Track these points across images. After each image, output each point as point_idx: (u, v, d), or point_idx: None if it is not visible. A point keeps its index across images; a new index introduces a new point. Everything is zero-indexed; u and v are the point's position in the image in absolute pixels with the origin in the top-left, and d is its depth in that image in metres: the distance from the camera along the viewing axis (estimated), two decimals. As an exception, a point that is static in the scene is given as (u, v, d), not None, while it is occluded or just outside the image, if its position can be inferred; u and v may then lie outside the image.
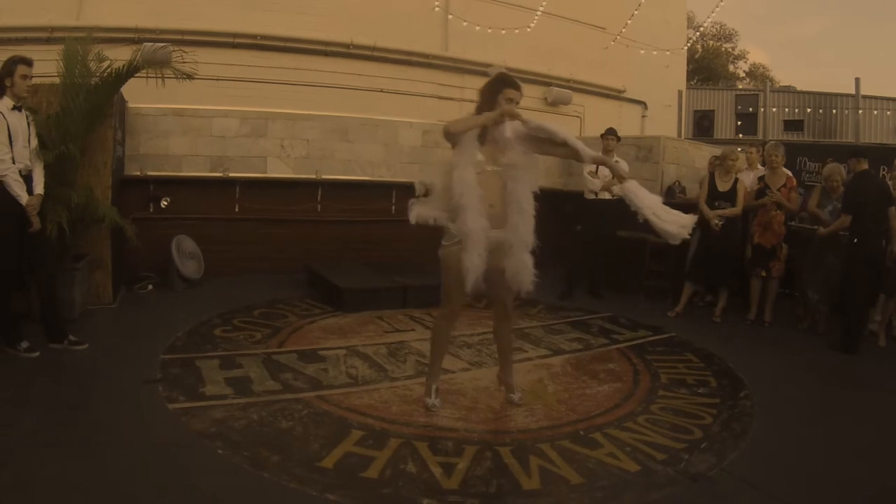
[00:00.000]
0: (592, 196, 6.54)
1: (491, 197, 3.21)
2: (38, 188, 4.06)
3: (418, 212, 3.39)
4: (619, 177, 3.48)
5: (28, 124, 4.03)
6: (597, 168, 6.46)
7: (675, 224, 3.31)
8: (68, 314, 4.54)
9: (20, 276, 4.19)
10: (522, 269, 3.23)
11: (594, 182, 6.49)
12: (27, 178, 3.98)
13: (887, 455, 3.28)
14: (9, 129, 3.82)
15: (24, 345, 3.96)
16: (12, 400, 3.28)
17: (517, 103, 3.25)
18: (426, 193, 3.52)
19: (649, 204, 3.33)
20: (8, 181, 3.83)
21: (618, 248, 6.74)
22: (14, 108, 3.90)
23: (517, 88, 3.26)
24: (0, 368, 3.73)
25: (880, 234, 5.13)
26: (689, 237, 3.41)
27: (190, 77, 4.98)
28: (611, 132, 6.57)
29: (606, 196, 6.44)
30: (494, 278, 3.30)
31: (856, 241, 5.08)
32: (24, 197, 3.89)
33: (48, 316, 4.17)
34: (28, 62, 3.93)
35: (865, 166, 5.35)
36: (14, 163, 3.86)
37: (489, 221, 3.18)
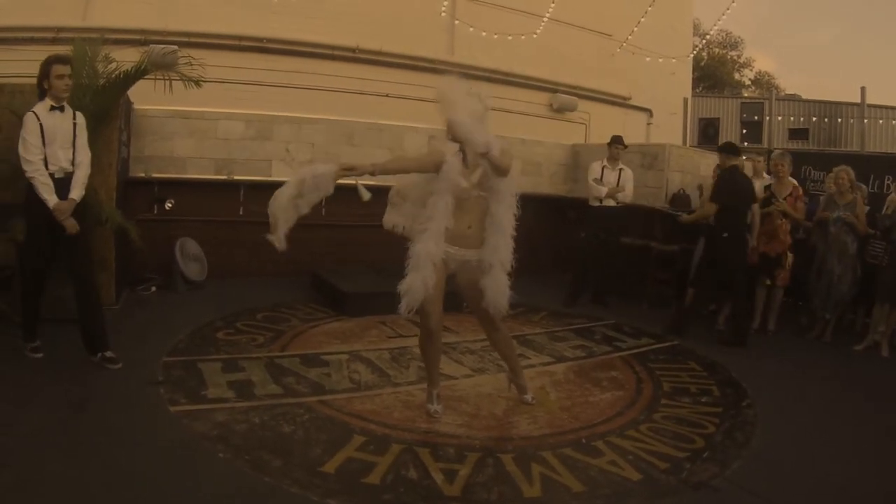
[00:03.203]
0: (597, 203, 6.52)
1: (469, 219, 3.25)
2: (74, 192, 3.83)
3: (390, 218, 3.45)
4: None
5: (74, 125, 3.87)
6: (601, 174, 6.47)
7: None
8: (71, 314, 4.52)
9: (44, 278, 4.01)
10: (498, 290, 3.26)
11: (599, 189, 6.48)
12: (65, 181, 3.80)
13: (890, 464, 3.26)
14: (42, 131, 3.70)
15: (34, 344, 3.96)
16: (14, 400, 3.29)
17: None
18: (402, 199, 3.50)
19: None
20: (35, 183, 3.69)
21: (622, 255, 6.72)
22: (53, 108, 3.77)
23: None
24: (2, 368, 3.74)
25: (744, 228, 5.46)
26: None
27: (198, 83, 4.98)
28: (617, 140, 6.57)
29: (611, 203, 6.43)
30: (472, 295, 3.36)
31: (726, 235, 5.33)
32: (51, 200, 3.71)
33: (89, 325, 3.94)
34: (63, 60, 3.81)
35: (736, 162, 5.59)
36: (47, 165, 3.73)
37: (463, 242, 3.24)
